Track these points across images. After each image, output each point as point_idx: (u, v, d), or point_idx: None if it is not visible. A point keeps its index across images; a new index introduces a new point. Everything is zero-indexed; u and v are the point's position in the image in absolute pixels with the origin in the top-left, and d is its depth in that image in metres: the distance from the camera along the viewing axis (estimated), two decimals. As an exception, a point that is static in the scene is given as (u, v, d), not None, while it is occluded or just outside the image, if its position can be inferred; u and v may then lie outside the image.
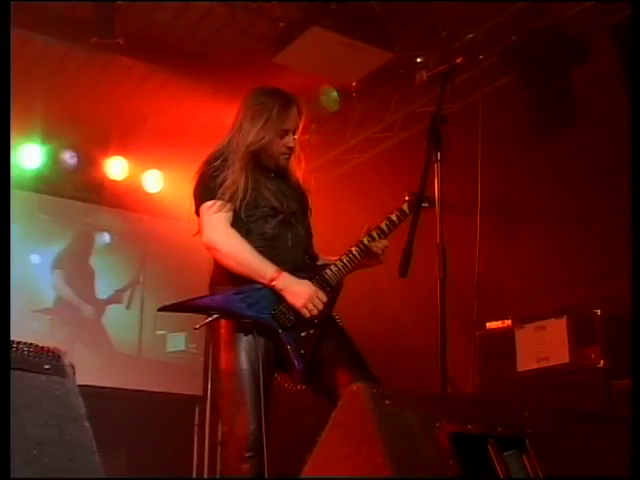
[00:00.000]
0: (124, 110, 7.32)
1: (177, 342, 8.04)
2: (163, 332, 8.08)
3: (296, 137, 3.48)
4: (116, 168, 7.85)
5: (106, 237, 8.20)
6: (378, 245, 3.42)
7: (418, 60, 6.29)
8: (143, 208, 8.06)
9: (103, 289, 8.00)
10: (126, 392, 7.60)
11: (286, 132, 3.44)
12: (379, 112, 7.27)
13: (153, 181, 8.01)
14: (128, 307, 8.01)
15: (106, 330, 7.91)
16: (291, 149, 3.47)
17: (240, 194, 3.30)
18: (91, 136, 7.53)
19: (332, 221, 5.65)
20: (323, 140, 7.69)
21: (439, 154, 3.17)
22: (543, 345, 5.39)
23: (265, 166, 3.43)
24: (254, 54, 6.53)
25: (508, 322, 5.70)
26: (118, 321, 7.98)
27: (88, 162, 7.81)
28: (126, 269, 8.17)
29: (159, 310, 3.24)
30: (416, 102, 6.89)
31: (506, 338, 5.61)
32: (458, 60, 3.35)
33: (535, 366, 5.41)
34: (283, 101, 3.46)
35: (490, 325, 5.73)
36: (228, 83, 6.33)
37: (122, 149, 7.81)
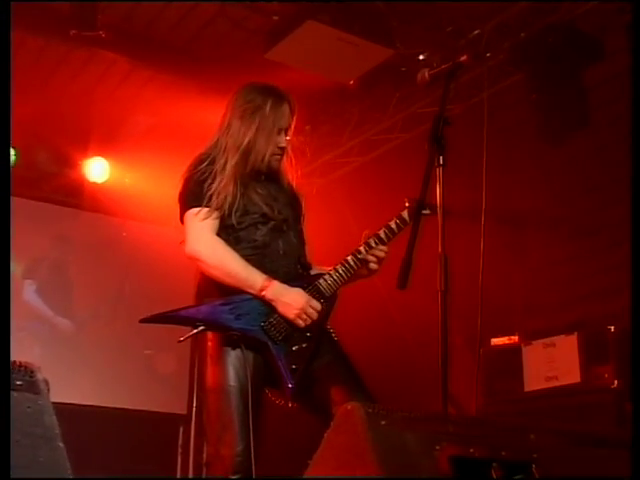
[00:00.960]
0: (106, 108, 7.32)
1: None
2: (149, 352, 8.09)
3: (288, 137, 3.48)
4: (97, 170, 7.84)
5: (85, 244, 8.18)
6: (376, 253, 3.42)
7: (420, 57, 6.30)
8: (126, 213, 8.04)
9: (83, 301, 7.97)
10: (104, 410, 7.57)
11: (278, 131, 3.44)
12: (378, 113, 7.28)
13: (136, 184, 8.00)
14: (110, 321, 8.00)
15: (83, 344, 7.88)
16: (283, 149, 3.47)
17: (229, 200, 3.29)
18: (70, 135, 7.52)
19: (327, 229, 5.65)
20: (318, 142, 7.69)
21: (442, 158, 3.16)
22: (552, 363, 5.38)
23: (255, 168, 3.42)
24: (245, 49, 6.54)
25: (515, 338, 5.69)
26: (97, 334, 7.96)
27: (66, 163, 7.79)
28: (109, 279, 8.15)
29: (141, 321, 3.23)
30: (418, 102, 6.90)
31: (512, 355, 5.60)
32: (463, 58, 3.35)
33: (543, 386, 5.40)
34: (275, 98, 3.46)
35: (495, 341, 5.72)
36: (217, 80, 6.34)
37: (103, 150, 7.80)
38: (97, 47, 6.28)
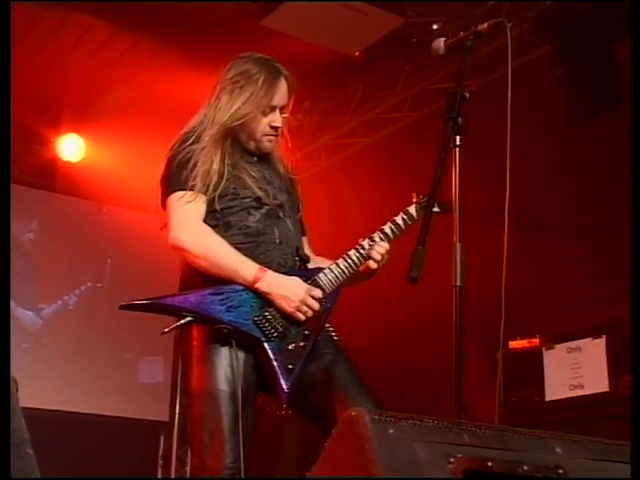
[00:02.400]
0: (80, 79, 7.30)
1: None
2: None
3: (284, 116, 3.46)
4: (70, 148, 7.85)
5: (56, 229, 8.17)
6: (378, 250, 3.39)
7: (434, 27, 6.29)
8: (103, 196, 8.04)
9: (51, 292, 7.97)
10: (77, 416, 7.58)
11: (272, 109, 3.42)
12: (385, 89, 7.28)
13: (114, 164, 7.99)
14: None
15: (50, 341, 7.88)
16: (277, 129, 3.45)
17: (214, 179, 3.27)
18: (40, 110, 7.51)
19: (326, 217, 5.65)
20: (318, 121, 7.69)
21: (458, 138, 3.13)
22: (577, 370, 5.39)
23: (245, 147, 3.42)
24: (238, 15, 6.52)
25: (536, 341, 5.70)
26: (67, 330, 7.96)
27: (37, 140, 7.79)
28: (82, 269, 8.15)
29: (121, 308, 3.20)
30: (430, 77, 6.91)
31: (533, 360, 5.60)
32: (482, 27, 3.33)
33: (567, 395, 5.40)
34: (270, 71, 3.44)
35: (514, 344, 5.72)
36: (206, 50, 6.32)
37: (78, 126, 7.80)
38: (71, 10, 6.25)
